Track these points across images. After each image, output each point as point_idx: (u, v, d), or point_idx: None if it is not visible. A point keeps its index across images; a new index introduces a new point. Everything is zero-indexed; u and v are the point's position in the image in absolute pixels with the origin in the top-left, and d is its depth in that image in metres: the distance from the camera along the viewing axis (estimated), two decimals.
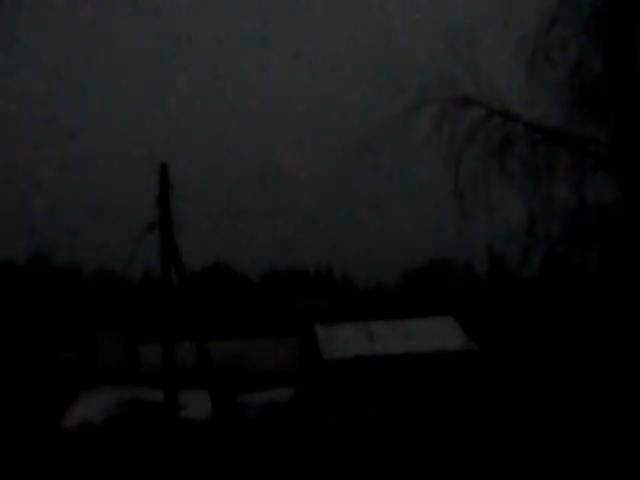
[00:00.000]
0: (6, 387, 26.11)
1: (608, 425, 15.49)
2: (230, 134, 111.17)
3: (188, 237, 14.83)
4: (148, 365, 29.30)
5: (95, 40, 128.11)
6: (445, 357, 31.91)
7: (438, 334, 34.19)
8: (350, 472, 14.40)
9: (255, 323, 35.13)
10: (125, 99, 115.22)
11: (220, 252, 41.58)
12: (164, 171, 14.69)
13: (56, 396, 26.02)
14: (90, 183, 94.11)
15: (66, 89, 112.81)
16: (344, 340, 33.39)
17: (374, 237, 79.72)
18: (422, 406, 21.85)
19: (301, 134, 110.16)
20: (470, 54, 13.25)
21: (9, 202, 71.34)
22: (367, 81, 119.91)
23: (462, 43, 13.35)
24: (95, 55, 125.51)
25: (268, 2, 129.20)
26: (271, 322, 35.51)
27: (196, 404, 19.22)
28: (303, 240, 76.28)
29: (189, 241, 14.98)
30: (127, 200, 65.90)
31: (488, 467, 13.88)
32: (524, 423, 17.50)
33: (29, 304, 39.89)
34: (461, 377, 27.37)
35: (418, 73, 14.12)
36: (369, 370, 30.28)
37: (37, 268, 52.89)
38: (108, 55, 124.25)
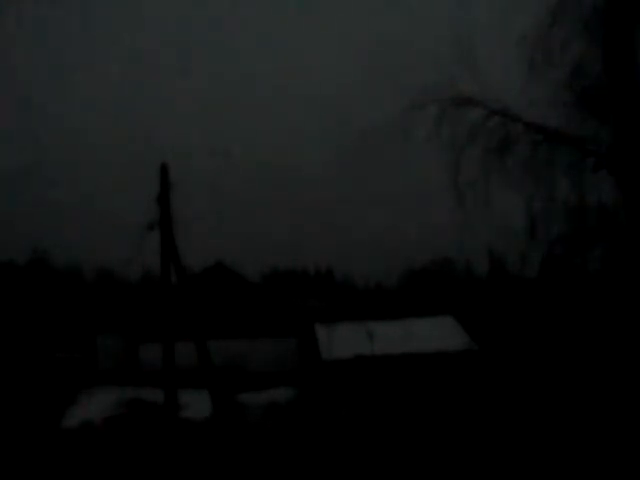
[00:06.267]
0: (6, 387, 26.10)
1: (608, 425, 15.50)
2: (230, 134, 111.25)
3: (188, 237, 14.81)
4: (148, 365, 29.29)
5: (95, 39, 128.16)
6: (445, 357, 31.88)
7: (438, 334, 34.16)
8: (350, 472, 14.41)
9: (255, 323, 35.13)
10: (125, 99, 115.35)
11: (220, 252, 41.57)
12: (164, 171, 14.67)
13: (56, 396, 26.01)
14: (90, 183, 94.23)
15: (66, 89, 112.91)
16: (344, 340, 33.36)
17: (374, 237, 79.70)
18: (422, 406, 21.85)
19: (301, 134, 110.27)
20: (470, 54, 13.24)
21: (9, 202, 71.36)
22: (367, 81, 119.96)
23: (462, 43, 13.34)
24: (95, 55, 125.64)
25: (269, 2, 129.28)
26: (271, 322, 35.50)
27: (196, 404, 19.22)
28: (303, 240, 76.14)
29: (189, 241, 14.94)
30: (127, 200, 65.83)
31: (488, 466, 13.89)
32: (524, 423, 17.51)
33: (29, 304, 39.88)
34: (461, 377, 27.35)
35: (418, 73, 14.12)
36: (369, 370, 30.26)
37: (37, 268, 52.86)
38: (109, 54, 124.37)
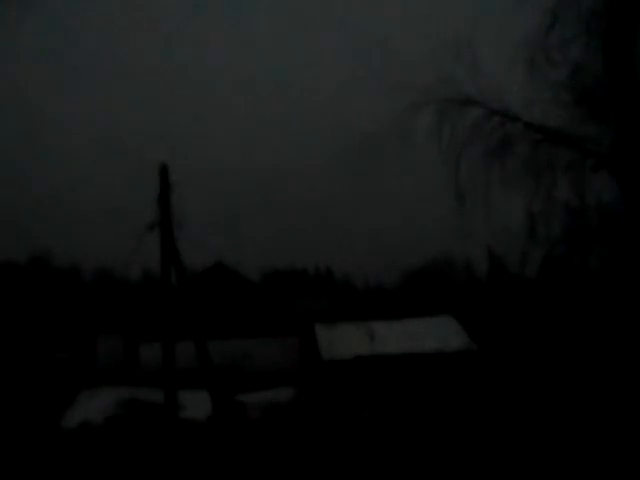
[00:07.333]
0: (6, 387, 26.09)
1: (608, 425, 15.49)
2: (230, 134, 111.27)
3: (188, 237, 14.80)
4: (148, 365, 29.29)
5: (95, 40, 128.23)
6: (445, 357, 31.88)
7: (438, 334, 34.16)
8: (350, 472, 14.41)
9: (255, 323, 35.11)
10: (125, 99, 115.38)
11: (220, 252, 41.42)
12: (164, 171, 14.67)
13: (56, 396, 26.01)
14: (90, 183, 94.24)
15: (66, 90, 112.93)
16: (344, 340, 33.37)
17: (374, 237, 79.67)
18: (422, 406, 21.85)
19: (301, 134, 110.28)
20: (470, 54, 13.26)
21: (9, 202, 71.34)
22: (367, 81, 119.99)
23: (462, 43, 13.36)
24: (95, 55, 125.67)
25: (268, 4, 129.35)
26: (271, 322, 35.48)
27: (196, 404, 19.21)
28: (303, 240, 76.11)
29: (189, 241, 14.94)
30: (127, 200, 65.87)
31: (488, 466, 13.88)
32: (524, 423, 17.50)
33: (29, 304, 39.87)
34: (461, 377, 27.35)
35: (418, 73, 14.14)
36: (369, 370, 30.26)
37: (37, 268, 52.85)
38: (108, 55, 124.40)
